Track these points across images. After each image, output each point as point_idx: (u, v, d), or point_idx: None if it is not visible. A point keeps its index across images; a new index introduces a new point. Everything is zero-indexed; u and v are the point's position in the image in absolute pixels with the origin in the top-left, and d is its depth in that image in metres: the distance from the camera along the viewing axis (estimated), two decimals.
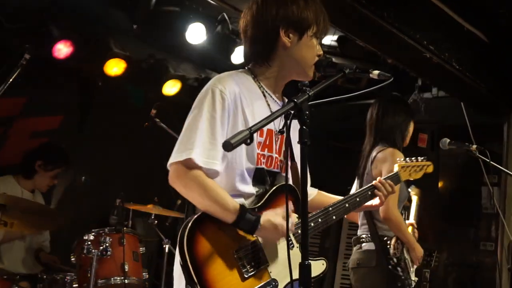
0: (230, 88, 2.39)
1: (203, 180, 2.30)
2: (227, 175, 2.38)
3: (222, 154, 2.33)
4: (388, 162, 3.91)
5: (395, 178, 2.99)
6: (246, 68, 2.59)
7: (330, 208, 2.59)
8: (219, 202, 2.29)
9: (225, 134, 2.35)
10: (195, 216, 2.28)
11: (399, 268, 3.92)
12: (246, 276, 2.29)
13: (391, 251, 3.93)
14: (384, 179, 2.84)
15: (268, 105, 2.52)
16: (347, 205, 2.67)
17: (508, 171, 4.44)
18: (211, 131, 2.32)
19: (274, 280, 2.37)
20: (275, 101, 2.57)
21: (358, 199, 2.72)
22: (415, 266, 4.10)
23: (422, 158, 3.27)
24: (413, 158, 3.22)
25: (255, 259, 2.34)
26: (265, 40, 2.50)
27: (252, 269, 2.32)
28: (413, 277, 4.06)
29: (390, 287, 3.88)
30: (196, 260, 2.21)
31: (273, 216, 2.33)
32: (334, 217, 2.60)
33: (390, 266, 3.90)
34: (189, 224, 2.25)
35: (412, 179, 3.31)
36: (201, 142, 2.29)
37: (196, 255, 2.22)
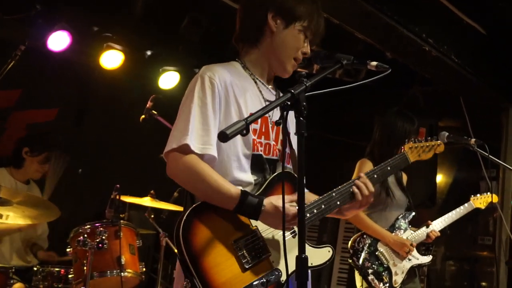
0: (220, 75, 2.38)
1: (201, 165, 2.27)
2: (223, 162, 2.35)
3: (216, 139, 2.30)
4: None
5: (403, 159, 2.89)
6: (236, 59, 2.58)
7: (334, 194, 2.46)
8: (219, 187, 2.25)
9: (217, 119, 2.33)
10: (192, 206, 2.23)
11: (354, 258, 4.15)
12: (246, 266, 2.23)
13: (349, 244, 4.24)
14: (391, 160, 2.74)
15: (260, 92, 2.50)
16: (350, 189, 2.48)
17: (507, 165, 4.40)
18: (203, 116, 2.30)
19: (278, 270, 2.30)
20: (267, 87, 2.55)
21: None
22: (398, 256, 4.17)
23: (431, 138, 3.15)
24: (422, 139, 3.09)
25: (256, 249, 2.28)
26: (253, 21, 2.51)
27: (252, 259, 2.26)
28: (394, 269, 4.12)
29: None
30: (193, 251, 2.15)
31: (276, 199, 2.26)
32: (338, 202, 2.46)
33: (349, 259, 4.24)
34: (185, 215, 2.19)
35: (422, 159, 3.11)
36: (194, 128, 2.28)
37: (193, 246, 2.16)
